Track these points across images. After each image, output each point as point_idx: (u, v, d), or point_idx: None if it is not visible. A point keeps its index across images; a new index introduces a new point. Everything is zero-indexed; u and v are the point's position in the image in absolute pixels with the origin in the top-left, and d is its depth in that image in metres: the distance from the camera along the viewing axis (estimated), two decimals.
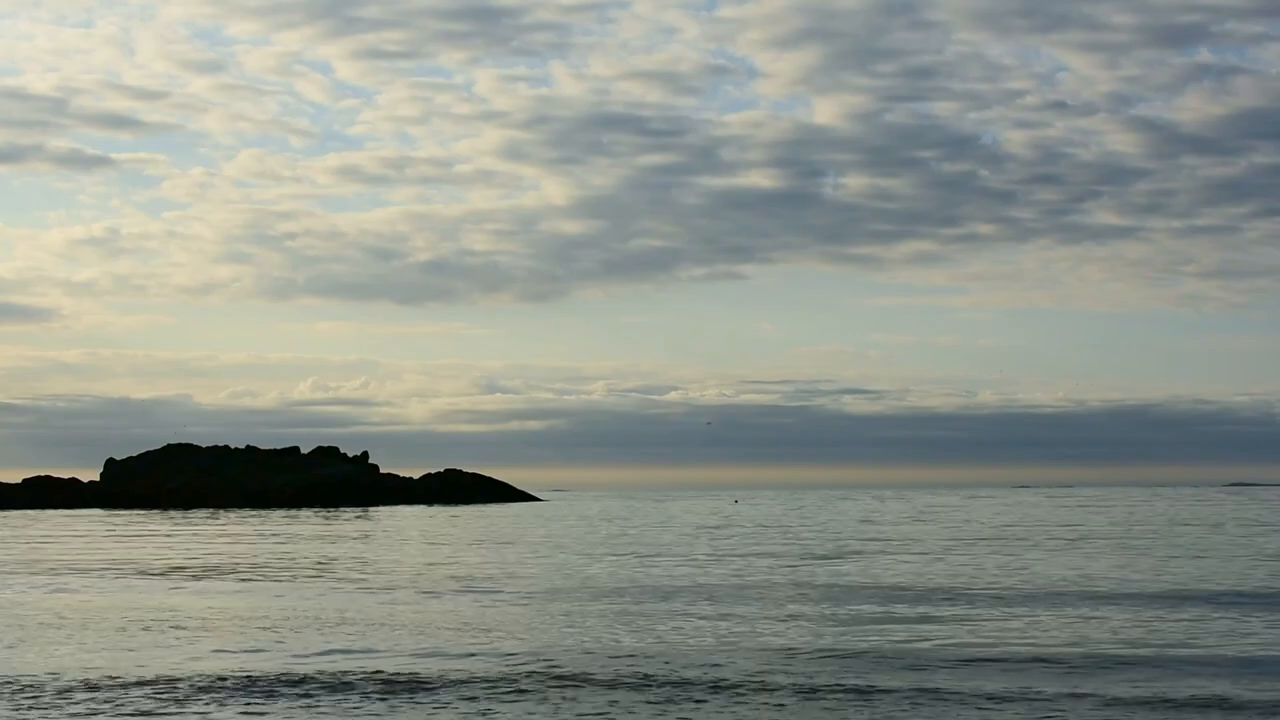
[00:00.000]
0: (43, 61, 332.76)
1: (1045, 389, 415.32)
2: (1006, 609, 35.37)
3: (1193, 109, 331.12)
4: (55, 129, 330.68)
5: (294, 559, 56.86)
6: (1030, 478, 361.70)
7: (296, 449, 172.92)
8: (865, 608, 35.81)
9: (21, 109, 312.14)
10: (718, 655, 27.38)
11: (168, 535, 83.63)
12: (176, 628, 32.48)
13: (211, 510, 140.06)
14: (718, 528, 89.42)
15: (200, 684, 24.22)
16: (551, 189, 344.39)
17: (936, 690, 23.22)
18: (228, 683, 24.30)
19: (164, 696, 23.15)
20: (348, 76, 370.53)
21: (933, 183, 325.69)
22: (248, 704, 22.61)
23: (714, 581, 44.15)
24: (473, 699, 22.86)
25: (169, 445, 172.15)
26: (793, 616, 34.04)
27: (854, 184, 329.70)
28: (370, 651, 28.05)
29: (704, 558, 56.54)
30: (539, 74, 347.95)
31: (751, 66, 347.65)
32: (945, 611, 34.92)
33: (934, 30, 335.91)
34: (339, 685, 24.03)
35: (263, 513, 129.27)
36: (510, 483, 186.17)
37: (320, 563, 54.20)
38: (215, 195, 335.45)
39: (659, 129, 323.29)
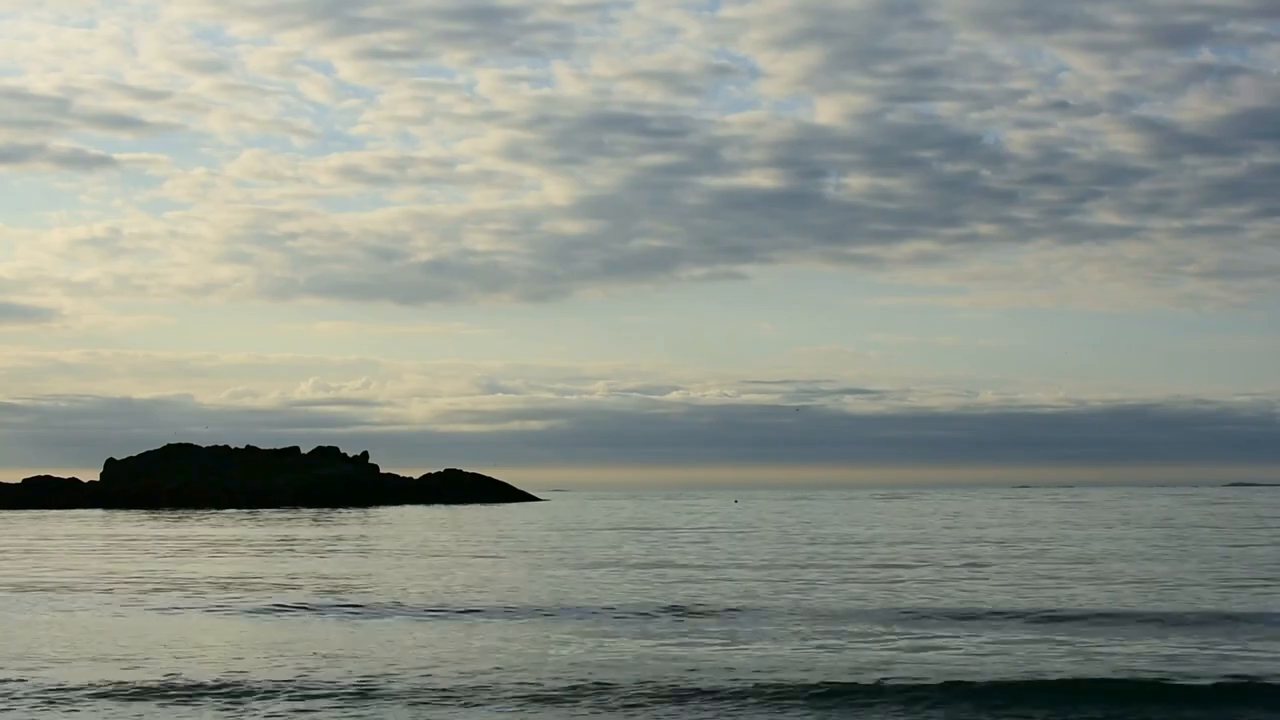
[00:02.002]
0: (44, 61, 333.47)
1: (1046, 389, 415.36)
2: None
3: (1194, 109, 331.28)
4: (57, 129, 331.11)
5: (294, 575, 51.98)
6: (1031, 478, 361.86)
7: (296, 449, 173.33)
8: None
9: (23, 109, 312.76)
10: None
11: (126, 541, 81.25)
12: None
13: (205, 511, 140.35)
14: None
15: None
16: (553, 189, 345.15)
17: None
18: None
19: None
20: (349, 76, 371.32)
21: (934, 183, 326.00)
22: None
23: None
24: None
25: (169, 445, 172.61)
26: None
27: (855, 184, 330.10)
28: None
29: None
30: (541, 74, 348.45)
31: (753, 66, 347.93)
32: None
33: (935, 30, 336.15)
34: None
35: (261, 513, 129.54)
36: (511, 483, 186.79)
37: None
38: (217, 195, 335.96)
39: (660, 129, 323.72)
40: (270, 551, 64.09)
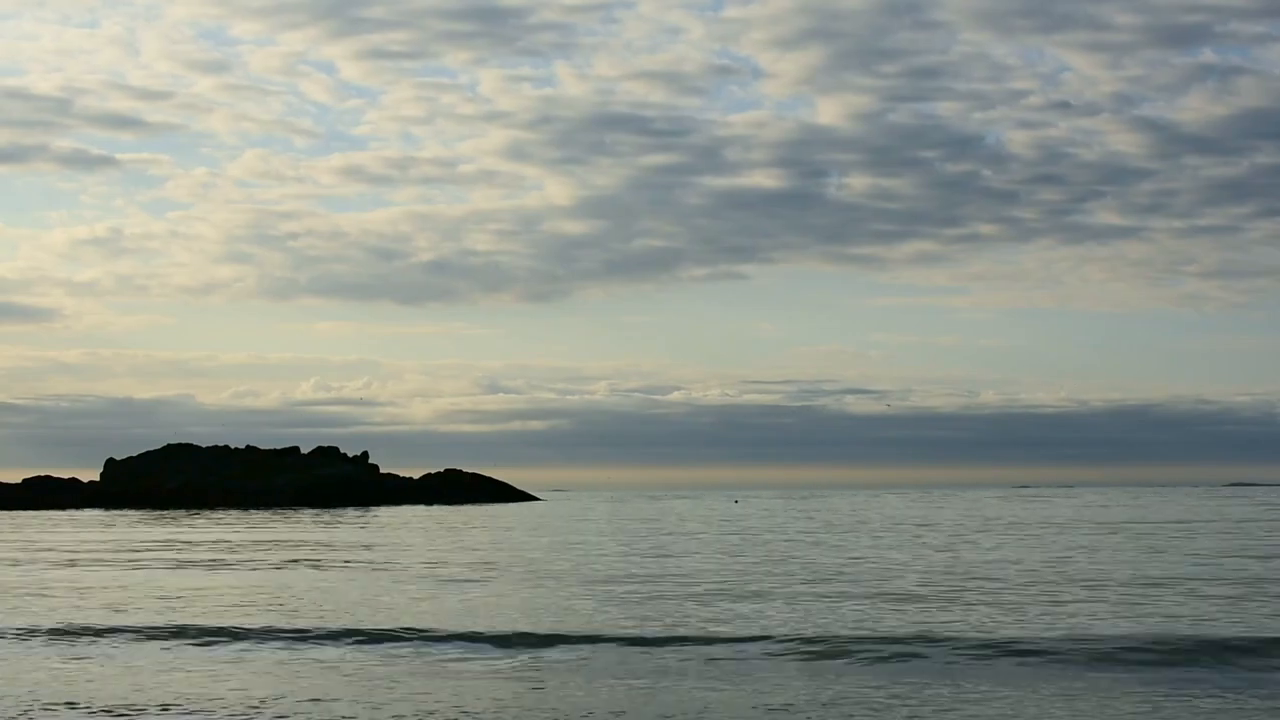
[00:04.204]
0: (47, 61, 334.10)
1: (1047, 389, 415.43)
2: None
3: (1195, 109, 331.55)
4: (59, 129, 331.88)
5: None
6: (1031, 478, 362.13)
7: (296, 449, 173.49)
8: None
9: (25, 109, 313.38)
10: None
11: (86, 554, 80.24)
12: None
13: (196, 511, 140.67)
14: None
15: None
16: (554, 189, 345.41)
17: None
18: None
19: None
20: (352, 77, 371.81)
21: (935, 183, 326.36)
22: None
23: None
24: None
25: (169, 445, 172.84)
26: None
27: (856, 184, 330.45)
28: None
29: None
30: (543, 74, 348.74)
31: (755, 66, 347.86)
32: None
33: (938, 30, 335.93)
34: None
35: (259, 513, 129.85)
36: (512, 483, 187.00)
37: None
38: (218, 195, 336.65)
39: (663, 129, 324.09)
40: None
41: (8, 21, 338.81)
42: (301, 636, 29.80)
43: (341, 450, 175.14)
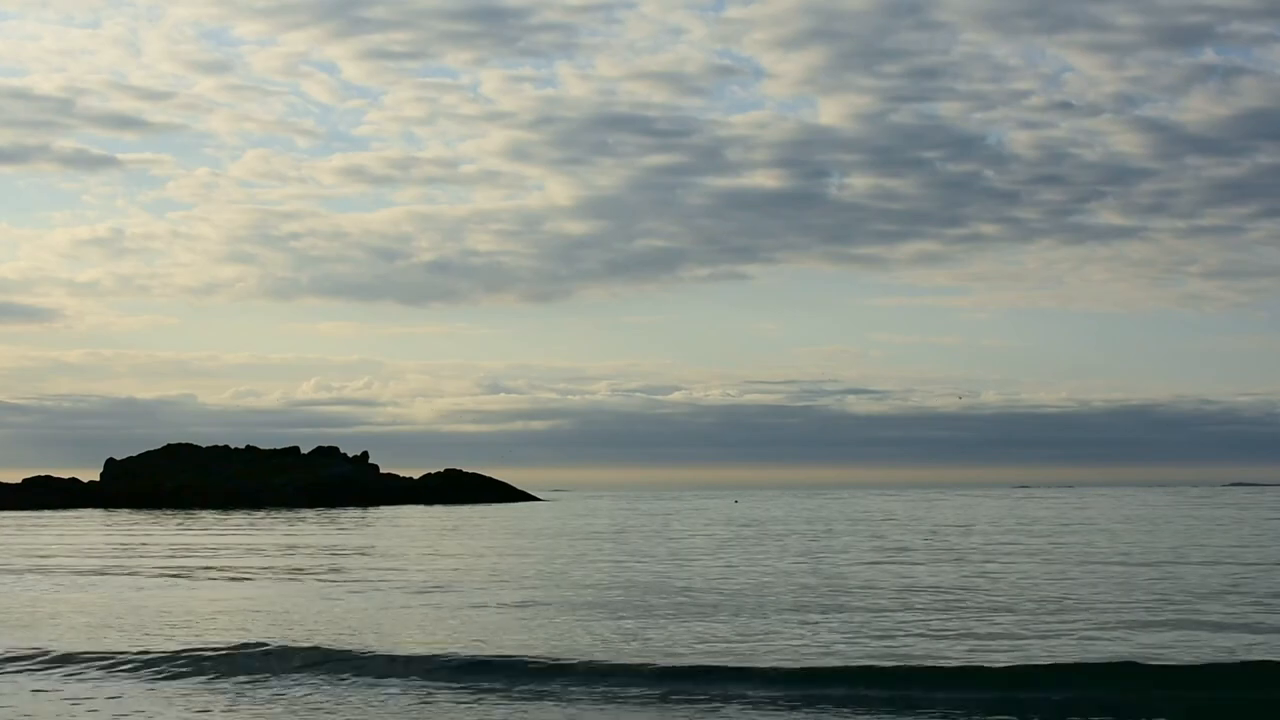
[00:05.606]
0: (49, 62, 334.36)
1: (1048, 389, 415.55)
2: None
3: (1197, 109, 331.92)
4: (61, 129, 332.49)
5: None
6: (1032, 478, 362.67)
7: (297, 449, 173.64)
8: None
9: (27, 109, 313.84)
10: None
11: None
12: None
13: (194, 512, 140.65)
14: None
15: None
16: (556, 189, 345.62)
17: None
18: None
19: None
20: (354, 77, 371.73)
21: (937, 183, 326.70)
22: None
23: None
24: None
25: (169, 445, 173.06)
26: None
27: (858, 184, 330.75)
28: None
29: None
30: (545, 74, 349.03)
31: (757, 67, 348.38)
32: None
33: (940, 31, 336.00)
34: None
35: (257, 514, 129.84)
36: (513, 483, 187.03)
37: None
38: (220, 195, 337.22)
39: (664, 129, 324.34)
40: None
41: (10, 22, 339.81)
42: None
43: (342, 450, 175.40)
